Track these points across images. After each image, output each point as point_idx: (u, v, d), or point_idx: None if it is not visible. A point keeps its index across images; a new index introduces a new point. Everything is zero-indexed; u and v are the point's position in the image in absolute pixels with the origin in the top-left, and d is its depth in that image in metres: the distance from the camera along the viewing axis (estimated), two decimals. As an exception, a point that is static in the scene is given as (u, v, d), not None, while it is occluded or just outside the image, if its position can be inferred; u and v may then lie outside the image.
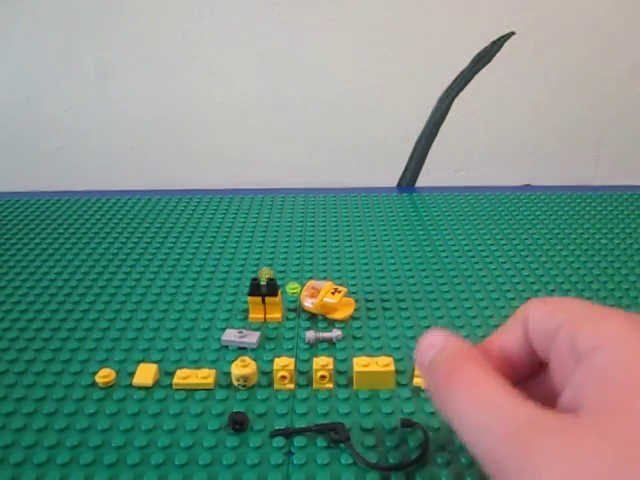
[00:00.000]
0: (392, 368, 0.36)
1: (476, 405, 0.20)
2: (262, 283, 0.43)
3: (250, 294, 0.43)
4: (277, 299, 0.43)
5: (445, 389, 0.22)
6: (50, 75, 0.71)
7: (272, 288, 0.43)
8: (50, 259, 0.54)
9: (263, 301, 0.43)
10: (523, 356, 0.24)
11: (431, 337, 0.24)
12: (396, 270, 0.51)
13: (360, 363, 0.36)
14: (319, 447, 0.32)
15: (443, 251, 0.55)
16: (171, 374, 0.37)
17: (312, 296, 0.43)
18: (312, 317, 0.44)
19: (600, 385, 0.19)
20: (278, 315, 0.43)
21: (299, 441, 0.32)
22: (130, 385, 0.37)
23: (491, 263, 0.53)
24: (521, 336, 0.25)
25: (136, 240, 0.58)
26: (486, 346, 0.25)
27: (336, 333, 0.41)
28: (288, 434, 0.32)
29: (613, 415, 0.17)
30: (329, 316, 0.44)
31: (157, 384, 0.37)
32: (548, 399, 0.22)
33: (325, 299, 0.43)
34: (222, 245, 0.57)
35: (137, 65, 0.71)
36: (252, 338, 0.40)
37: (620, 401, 0.18)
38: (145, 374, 0.37)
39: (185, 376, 0.37)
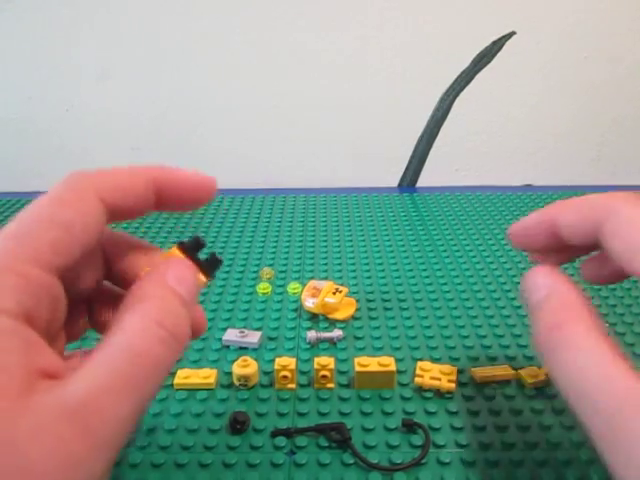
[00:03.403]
0: (393, 368, 0.36)
1: (579, 374, 0.20)
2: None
3: (179, 247, 0.24)
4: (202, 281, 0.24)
5: (548, 345, 0.22)
6: (51, 75, 0.71)
7: (212, 264, 0.25)
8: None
9: None
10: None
11: (537, 277, 0.24)
12: (397, 270, 0.51)
13: (361, 363, 0.36)
14: (320, 447, 0.32)
15: (444, 251, 0.55)
16: (172, 374, 0.37)
17: (313, 296, 0.43)
18: (313, 317, 0.44)
19: None
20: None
21: (300, 441, 0.32)
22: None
23: (492, 263, 0.53)
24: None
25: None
26: None
27: (337, 333, 0.41)
28: (289, 434, 0.32)
29: None
30: (330, 316, 0.44)
31: (158, 384, 0.37)
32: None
33: (326, 299, 0.43)
34: (223, 245, 0.57)
35: (138, 66, 0.71)
36: (253, 338, 0.40)
37: None
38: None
39: (186, 376, 0.37)
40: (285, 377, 0.36)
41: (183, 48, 0.70)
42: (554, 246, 0.26)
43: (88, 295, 0.24)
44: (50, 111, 0.73)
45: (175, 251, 0.24)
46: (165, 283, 0.21)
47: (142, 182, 0.24)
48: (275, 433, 0.32)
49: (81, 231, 0.20)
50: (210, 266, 0.24)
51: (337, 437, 0.32)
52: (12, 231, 0.19)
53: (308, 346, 0.41)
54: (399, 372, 0.37)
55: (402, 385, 0.36)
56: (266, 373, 0.38)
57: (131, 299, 0.20)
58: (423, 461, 0.30)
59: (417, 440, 0.32)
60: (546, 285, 0.23)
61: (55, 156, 0.75)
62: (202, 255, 0.24)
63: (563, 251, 0.26)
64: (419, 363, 0.37)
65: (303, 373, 0.38)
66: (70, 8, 0.68)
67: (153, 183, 0.24)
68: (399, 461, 0.30)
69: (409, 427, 0.32)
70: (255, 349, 0.40)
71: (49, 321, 0.19)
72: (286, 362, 0.36)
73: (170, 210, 0.26)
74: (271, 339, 0.42)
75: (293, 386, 0.36)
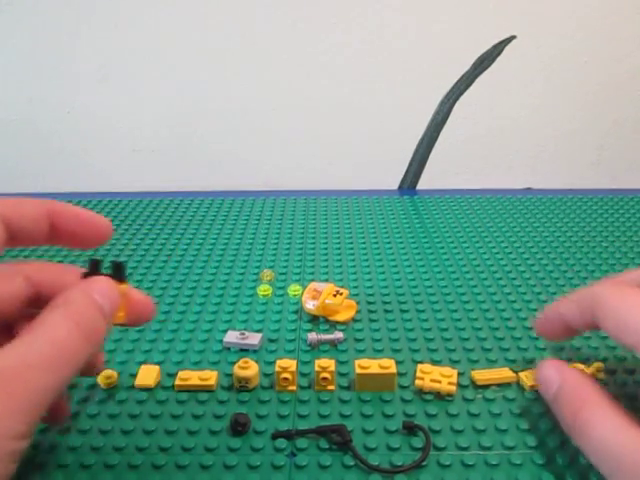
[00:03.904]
0: (394, 370, 0.36)
1: (604, 448, 0.24)
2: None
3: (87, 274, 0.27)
4: (123, 287, 0.27)
5: (574, 429, 0.27)
6: (52, 77, 0.72)
7: (117, 270, 0.27)
8: (52, 260, 0.54)
9: None
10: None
11: (548, 371, 0.29)
12: (397, 272, 0.52)
13: (362, 365, 0.36)
14: (321, 449, 0.32)
15: (444, 254, 0.55)
16: (173, 375, 0.37)
17: (314, 298, 0.43)
18: (314, 319, 0.44)
19: None
20: (121, 314, 0.28)
21: (301, 443, 0.32)
22: (132, 386, 0.37)
23: (492, 266, 0.53)
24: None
25: (138, 242, 0.59)
26: None
27: (338, 335, 0.41)
28: (290, 436, 0.32)
29: None
30: (331, 318, 0.44)
31: (159, 385, 0.37)
32: None
33: (327, 301, 0.43)
34: (224, 247, 0.57)
35: (139, 68, 0.71)
36: (254, 340, 0.40)
37: None
38: (147, 375, 0.37)
39: (187, 377, 0.37)
40: (286, 379, 0.36)
41: (184, 50, 0.70)
42: (567, 331, 0.32)
43: (11, 318, 0.27)
44: (51, 113, 0.73)
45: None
46: (86, 292, 0.25)
47: (39, 210, 0.27)
48: (276, 435, 0.32)
49: None
50: (117, 273, 0.28)
51: (338, 439, 0.32)
52: None
53: (309, 348, 0.41)
54: (399, 374, 0.37)
55: (402, 387, 0.36)
56: (267, 375, 0.38)
57: (54, 303, 0.24)
58: (424, 463, 0.30)
59: (418, 442, 0.32)
60: (557, 378, 0.29)
61: (56, 158, 0.75)
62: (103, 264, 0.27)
63: (573, 332, 0.33)
64: (419, 365, 0.37)
65: (304, 375, 0.38)
66: (71, 9, 0.68)
67: (48, 214, 0.27)
68: (400, 463, 0.30)
69: (410, 429, 0.32)
70: (256, 351, 0.40)
71: None
72: (287, 364, 0.36)
73: (64, 244, 0.29)
74: (272, 341, 0.42)
75: (294, 388, 0.36)
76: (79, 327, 0.23)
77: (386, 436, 0.32)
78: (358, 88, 0.72)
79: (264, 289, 0.48)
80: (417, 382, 0.36)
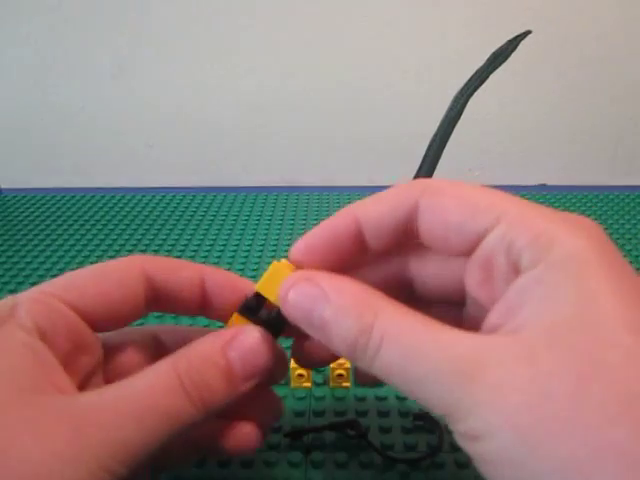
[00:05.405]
0: None
1: (410, 358, 0.17)
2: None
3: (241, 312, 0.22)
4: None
5: (357, 351, 0.18)
6: (67, 73, 0.72)
7: (277, 321, 0.22)
8: (66, 255, 0.55)
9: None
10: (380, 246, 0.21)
11: (303, 288, 0.20)
12: (411, 269, 0.51)
13: None
14: (337, 446, 0.32)
15: (458, 251, 0.55)
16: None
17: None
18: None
19: (550, 302, 0.16)
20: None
21: (317, 440, 0.32)
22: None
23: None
24: (404, 218, 0.20)
25: (151, 237, 0.59)
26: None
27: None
28: (305, 432, 0.32)
29: (569, 332, 0.16)
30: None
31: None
32: (450, 316, 0.20)
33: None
34: (237, 243, 0.57)
35: (153, 63, 0.71)
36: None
37: (577, 318, 0.16)
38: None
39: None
40: (301, 375, 0.36)
41: (198, 46, 0.70)
42: (344, 263, 0.21)
43: None
44: (65, 108, 0.73)
45: (237, 317, 0.22)
46: (217, 345, 0.20)
47: (194, 274, 0.24)
48: (291, 432, 0.32)
49: (117, 288, 0.22)
50: (274, 326, 0.22)
51: (353, 433, 0.32)
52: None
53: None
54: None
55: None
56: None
57: (180, 349, 0.21)
58: (440, 461, 0.30)
59: (434, 440, 0.32)
60: (316, 292, 0.19)
61: (70, 153, 0.76)
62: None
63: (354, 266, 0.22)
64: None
65: (319, 372, 0.38)
66: (85, 5, 0.69)
67: (200, 281, 0.24)
68: (414, 456, 0.30)
69: (421, 420, 0.32)
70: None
71: (68, 350, 0.20)
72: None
73: (216, 317, 0.25)
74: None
75: (309, 385, 0.36)
76: (183, 387, 0.19)
77: (402, 434, 0.32)
78: (372, 85, 0.71)
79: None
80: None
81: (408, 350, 0.17)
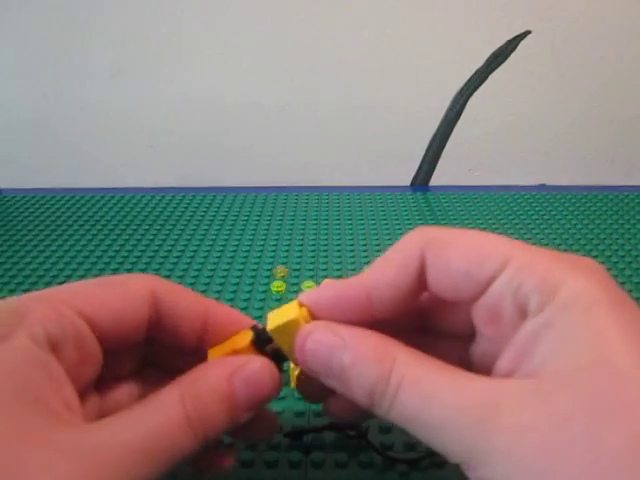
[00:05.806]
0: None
1: (427, 403, 0.17)
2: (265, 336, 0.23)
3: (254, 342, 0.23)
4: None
5: (375, 400, 0.19)
6: (66, 73, 0.72)
7: (278, 356, 0.23)
8: (65, 255, 0.55)
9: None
10: (404, 300, 0.21)
11: (323, 336, 0.20)
12: (411, 269, 0.51)
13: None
14: (337, 446, 0.32)
15: (458, 251, 0.55)
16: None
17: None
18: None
19: (562, 345, 0.17)
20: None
21: (317, 440, 0.32)
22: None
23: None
24: (411, 281, 0.21)
25: (151, 237, 0.59)
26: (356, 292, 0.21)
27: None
28: (305, 432, 0.32)
29: (583, 373, 0.16)
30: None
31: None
32: (464, 362, 0.21)
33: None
34: (237, 243, 0.57)
35: (153, 63, 0.71)
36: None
37: (590, 359, 0.16)
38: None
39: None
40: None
41: (198, 45, 0.70)
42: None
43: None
44: (65, 108, 0.73)
45: (248, 346, 0.22)
46: (221, 374, 0.20)
47: (197, 306, 0.23)
48: (291, 432, 0.32)
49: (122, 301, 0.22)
50: (276, 360, 0.23)
51: (352, 433, 0.32)
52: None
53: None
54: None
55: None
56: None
57: (186, 376, 0.20)
58: (439, 461, 0.30)
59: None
60: (337, 342, 0.20)
61: (70, 154, 0.75)
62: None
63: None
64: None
65: (318, 372, 0.38)
66: (85, 5, 0.68)
67: (204, 313, 0.24)
68: (414, 456, 0.30)
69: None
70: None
71: (75, 361, 0.20)
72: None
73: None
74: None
75: (309, 385, 0.36)
76: (190, 422, 0.19)
77: (402, 434, 0.32)
78: (371, 84, 0.71)
79: (277, 285, 0.48)
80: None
81: (425, 396, 0.18)
